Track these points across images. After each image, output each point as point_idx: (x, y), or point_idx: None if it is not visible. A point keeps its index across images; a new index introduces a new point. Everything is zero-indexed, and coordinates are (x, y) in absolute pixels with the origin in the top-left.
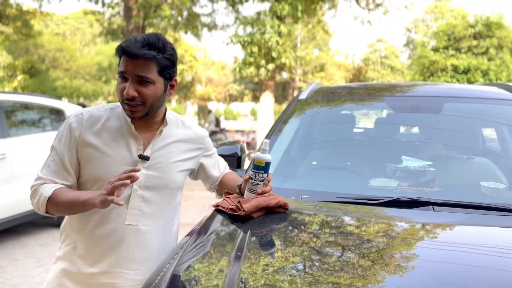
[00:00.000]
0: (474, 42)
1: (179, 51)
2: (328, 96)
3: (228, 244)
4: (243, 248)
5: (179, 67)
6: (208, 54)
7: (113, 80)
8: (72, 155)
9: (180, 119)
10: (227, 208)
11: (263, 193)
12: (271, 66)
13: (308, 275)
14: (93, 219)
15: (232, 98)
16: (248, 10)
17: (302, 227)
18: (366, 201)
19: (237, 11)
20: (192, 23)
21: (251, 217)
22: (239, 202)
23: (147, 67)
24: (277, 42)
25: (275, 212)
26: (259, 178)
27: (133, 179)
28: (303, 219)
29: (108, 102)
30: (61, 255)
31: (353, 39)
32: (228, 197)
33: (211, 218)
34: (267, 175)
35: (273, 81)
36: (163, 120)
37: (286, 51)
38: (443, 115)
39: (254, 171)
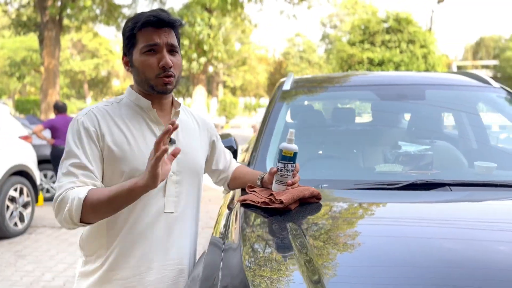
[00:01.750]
0: (387, 37)
1: (93, 44)
2: (312, 86)
3: (282, 240)
4: (305, 244)
5: (93, 61)
6: None
7: (28, 76)
8: (94, 155)
9: (182, 104)
10: (259, 202)
11: (293, 183)
12: (203, 60)
13: (392, 262)
14: (131, 216)
15: None
16: (172, 1)
17: (351, 216)
18: (386, 186)
19: (161, 2)
20: (113, 15)
21: (288, 209)
22: (271, 195)
23: (173, 36)
24: (208, 35)
25: (309, 203)
26: (288, 169)
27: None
28: (345, 208)
29: (17, 100)
30: (91, 270)
31: (272, 34)
32: (254, 191)
33: (244, 214)
34: (295, 165)
35: (205, 75)
36: (172, 101)
37: (217, 44)
38: (427, 102)
39: (282, 162)
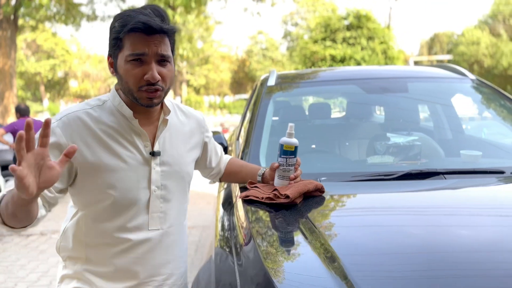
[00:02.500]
0: (348, 34)
1: (49, 44)
2: (296, 81)
3: (295, 234)
4: (319, 235)
5: (50, 62)
6: (82, 47)
7: None
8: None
9: (175, 104)
10: (263, 198)
11: (295, 178)
12: None
13: (415, 249)
14: (111, 232)
15: None
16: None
17: (359, 206)
18: (383, 176)
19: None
20: (71, 14)
21: (294, 203)
22: (275, 190)
23: (166, 44)
24: None
25: (313, 196)
26: (290, 163)
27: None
28: (350, 199)
29: None
30: (70, 274)
31: (235, 31)
32: (256, 187)
33: (250, 211)
34: (296, 159)
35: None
36: (161, 108)
37: (182, 42)
38: (410, 94)
39: (284, 157)
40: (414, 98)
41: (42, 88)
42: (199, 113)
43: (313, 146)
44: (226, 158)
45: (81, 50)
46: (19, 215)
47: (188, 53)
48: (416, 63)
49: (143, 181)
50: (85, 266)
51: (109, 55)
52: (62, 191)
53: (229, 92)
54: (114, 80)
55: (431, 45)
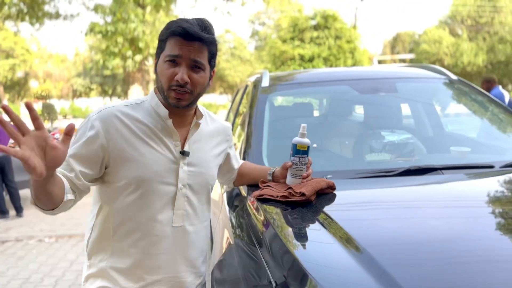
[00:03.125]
0: (315, 33)
1: (8, 44)
2: (289, 82)
3: (320, 228)
4: (341, 228)
5: (9, 61)
6: (43, 46)
7: None
8: (88, 157)
9: (206, 111)
10: (278, 196)
11: (308, 176)
12: (138, 57)
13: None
14: (137, 226)
15: (76, 94)
16: None
17: (374, 201)
18: (385, 173)
19: None
20: (36, 12)
21: (309, 200)
22: (289, 188)
23: (202, 52)
24: (143, 32)
25: (325, 193)
26: (303, 162)
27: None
28: (363, 195)
29: None
30: (94, 272)
31: None
32: (269, 186)
33: (268, 209)
34: (308, 159)
35: (141, 73)
36: (195, 113)
37: (153, 41)
38: (399, 94)
39: (297, 156)
40: (403, 98)
41: (1, 88)
42: (227, 123)
43: (315, 145)
44: (238, 161)
45: (42, 49)
46: (40, 197)
47: None
48: (380, 62)
49: (171, 177)
50: (109, 263)
51: (156, 56)
52: (93, 180)
53: None
54: (77, 80)
55: (394, 44)
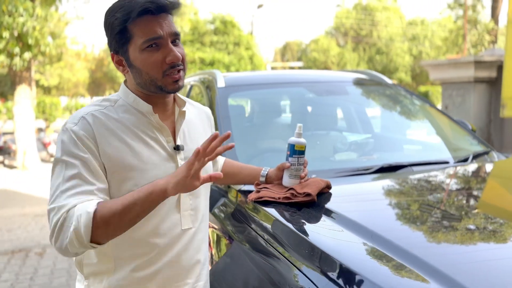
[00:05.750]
0: (215, 38)
1: None
2: (246, 83)
3: (339, 231)
4: (359, 224)
5: None
6: None
7: None
8: (96, 168)
9: (182, 96)
10: (280, 198)
11: (305, 176)
12: (27, 55)
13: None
14: (144, 238)
15: None
16: None
17: (375, 195)
18: (363, 171)
19: None
20: None
21: (313, 200)
22: (291, 189)
23: (172, 22)
24: (34, 28)
25: (323, 193)
26: (301, 162)
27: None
28: (360, 190)
29: None
30: None
31: (92, 28)
32: (266, 187)
33: (273, 212)
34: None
35: (29, 72)
36: (174, 98)
37: (44, 37)
38: (350, 97)
39: (295, 157)
40: (354, 100)
41: None
42: (206, 108)
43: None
44: (221, 158)
45: None
46: (136, 219)
47: (51, 50)
48: (272, 68)
49: None
50: (113, 280)
51: (115, 53)
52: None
53: (86, 93)
54: None
55: (284, 52)
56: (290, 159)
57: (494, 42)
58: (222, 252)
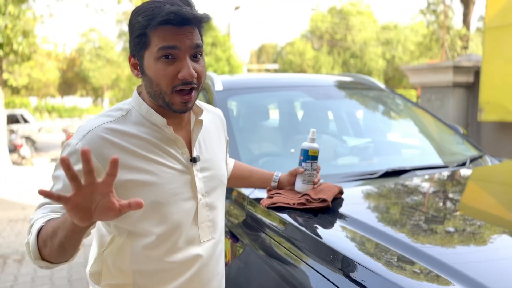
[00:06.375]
0: None
1: None
2: (243, 86)
3: (359, 237)
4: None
5: None
6: None
7: None
8: None
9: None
10: (294, 204)
11: (318, 181)
12: None
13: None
14: (162, 256)
15: None
16: None
17: (390, 198)
18: (369, 176)
19: None
20: None
21: (328, 206)
22: (305, 195)
23: (197, 35)
24: (6, 26)
25: (336, 198)
26: (314, 168)
27: None
28: (372, 194)
29: None
30: None
31: (62, 27)
32: (279, 193)
33: (291, 218)
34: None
35: (0, 74)
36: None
37: (16, 36)
38: (348, 102)
39: (309, 162)
40: (352, 104)
41: None
42: (217, 109)
43: (292, 150)
44: (230, 161)
45: None
46: (66, 245)
47: (24, 49)
48: (249, 70)
49: (187, 191)
50: None
51: (132, 55)
52: None
53: (57, 94)
54: None
55: (259, 54)
56: (303, 164)
57: (465, 47)
58: (235, 260)
